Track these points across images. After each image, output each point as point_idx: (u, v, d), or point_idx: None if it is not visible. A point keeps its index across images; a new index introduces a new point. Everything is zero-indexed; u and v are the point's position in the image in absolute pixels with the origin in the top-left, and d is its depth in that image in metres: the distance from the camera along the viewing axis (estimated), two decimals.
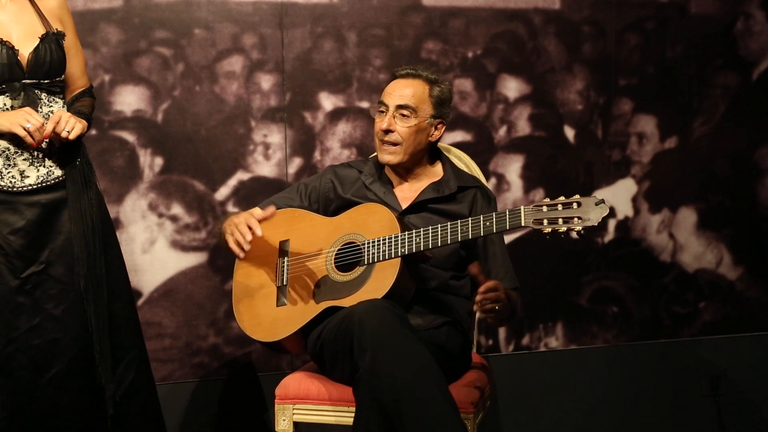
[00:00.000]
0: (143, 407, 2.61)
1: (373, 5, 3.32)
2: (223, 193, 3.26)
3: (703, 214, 3.67)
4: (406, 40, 3.35)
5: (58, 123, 2.42)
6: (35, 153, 2.48)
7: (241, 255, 2.55)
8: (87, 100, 2.64)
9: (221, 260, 3.23)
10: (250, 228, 2.53)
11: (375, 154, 2.84)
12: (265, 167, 3.28)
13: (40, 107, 2.48)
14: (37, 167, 2.48)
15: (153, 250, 3.21)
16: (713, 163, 3.66)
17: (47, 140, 2.45)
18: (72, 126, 2.44)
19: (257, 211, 2.59)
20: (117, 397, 2.54)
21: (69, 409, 2.49)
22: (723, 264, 3.71)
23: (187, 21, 3.18)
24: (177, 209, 3.23)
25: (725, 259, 3.71)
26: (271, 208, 2.59)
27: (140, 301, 3.21)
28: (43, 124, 2.40)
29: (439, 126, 2.67)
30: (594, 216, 2.24)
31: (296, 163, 3.30)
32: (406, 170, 2.69)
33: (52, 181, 2.50)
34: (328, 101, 3.31)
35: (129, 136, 3.17)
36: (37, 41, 2.47)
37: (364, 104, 3.32)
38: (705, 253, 3.69)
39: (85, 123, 2.52)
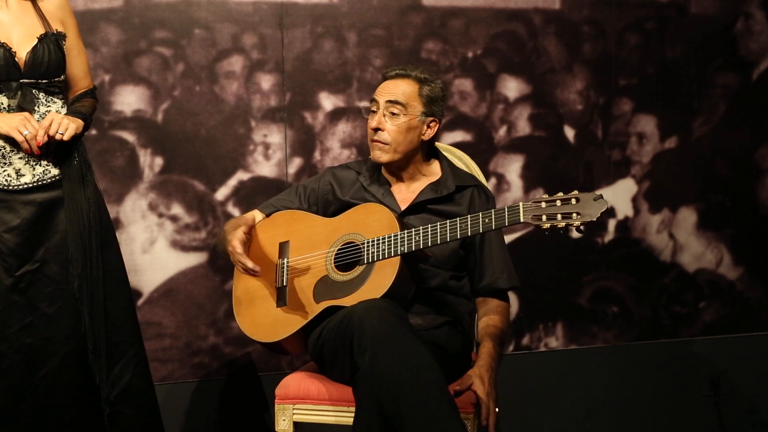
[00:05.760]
0: (139, 407, 2.61)
1: (373, 5, 3.32)
2: (223, 193, 3.26)
3: (703, 214, 3.67)
4: (406, 40, 3.35)
5: (49, 127, 2.42)
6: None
7: (259, 273, 2.58)
8: (88, 100, 2.63)
9: (221, 260, 3.23)
10: (242, 244, 2.58)
11: None
12: (265, 167, 3.28)
13: (38, 107, 2.48)
14: (33, 166, 2.47)
15: (153, 250, 3.21)
16: (713, 163, 3.66)
17: (44, 144, 2.45)
18: (65, 127, 2.44)
19: (239, 233, 2.60)
20: (112, 396, 2.54)
21: (61, 407, 2.49)
22: (723, 264, 3.71)
23: (187, 21, 3.18)
24: (177, 209, 3.23)
25: (725, 259, 3.71)
26: (248, 217, 2.67)
27: (140, 301, 3.21)
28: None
29: (431, 124, 2.65)
30: (593, 211, 2.21)
31: (296, 163, 3.30)
32: (400, 169, 2.69)
33: (48, 180, 2.49)
34: (328, 101, 3.31)
35: (129, 136, 3.17)
36: (36, 41, 2.47)
37: (364, 104, 3.32)
38: (705, 253, 3.69)
39: (80, 122, 2.51)
